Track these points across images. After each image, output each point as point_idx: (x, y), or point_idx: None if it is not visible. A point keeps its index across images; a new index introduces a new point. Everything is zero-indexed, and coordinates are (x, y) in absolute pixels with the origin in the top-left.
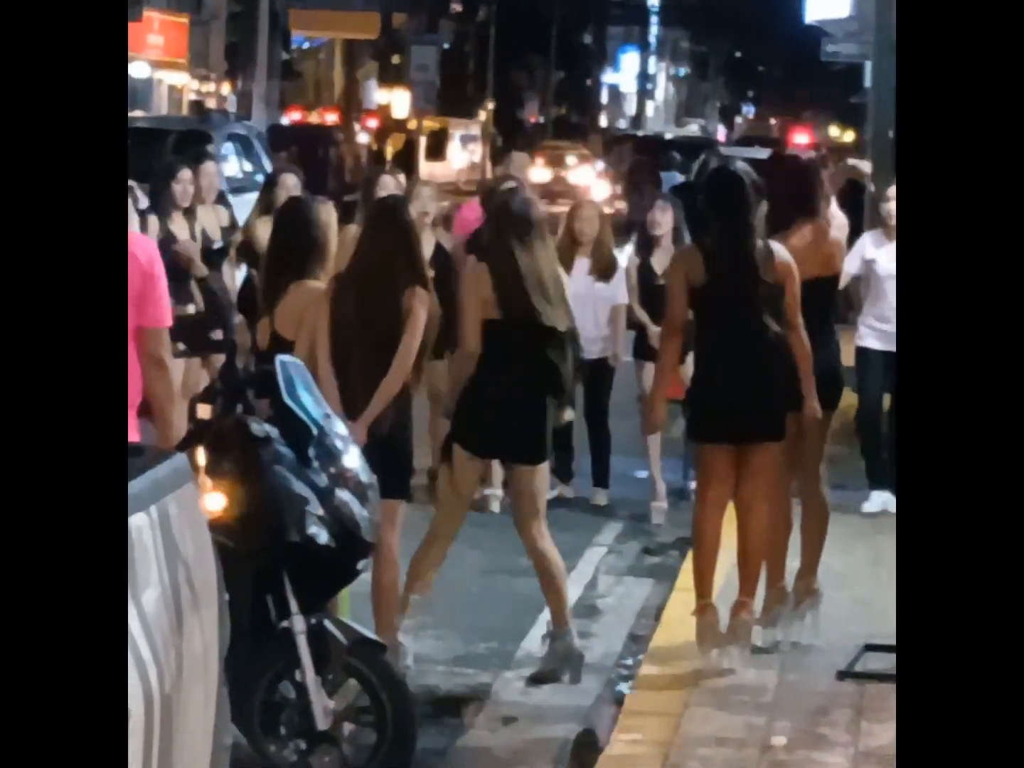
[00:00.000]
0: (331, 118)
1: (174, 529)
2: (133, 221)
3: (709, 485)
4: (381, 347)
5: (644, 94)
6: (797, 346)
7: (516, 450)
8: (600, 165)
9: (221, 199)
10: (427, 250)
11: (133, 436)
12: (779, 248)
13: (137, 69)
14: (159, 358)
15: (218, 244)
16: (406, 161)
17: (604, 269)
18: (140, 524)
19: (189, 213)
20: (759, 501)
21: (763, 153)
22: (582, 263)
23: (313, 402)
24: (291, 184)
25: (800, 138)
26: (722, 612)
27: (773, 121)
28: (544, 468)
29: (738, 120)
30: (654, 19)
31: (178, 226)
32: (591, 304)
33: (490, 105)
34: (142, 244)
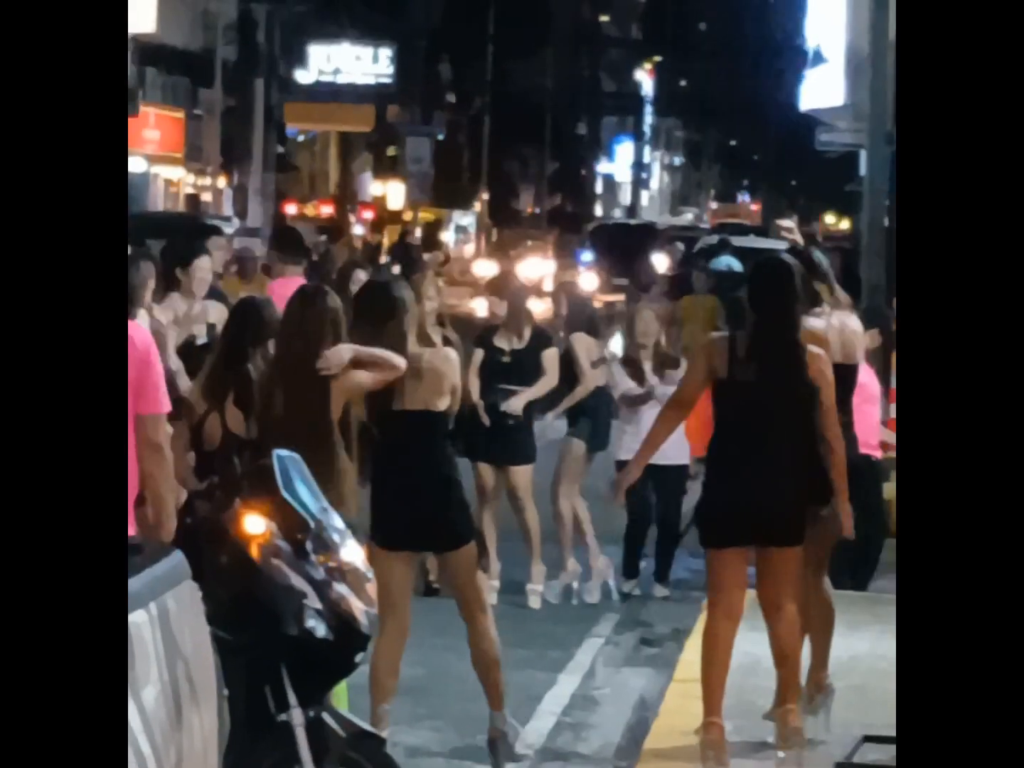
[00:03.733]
0: (327, 210)
1: (173, 626)
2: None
3: (721, 592)
4: (313, 433)
5: (639, 183)
6: (834, 445)
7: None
8: (589, 255)
9: (212, 294)
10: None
11: (130, 529)
12: (812, 347)
13: (133, 164)
14: (157, 443)
15: (202, 340)
16: (402, 253)
17: (659, 365)
18: (140, 621)
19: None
20: (786, 602)
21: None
22: (647, 363)
23: (310, 495)
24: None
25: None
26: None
27: (754, 207)
28: (469, 552)
29: (713, 206)
30: (648, 108)
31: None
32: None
33: (485, 196)
34: (138, 331)
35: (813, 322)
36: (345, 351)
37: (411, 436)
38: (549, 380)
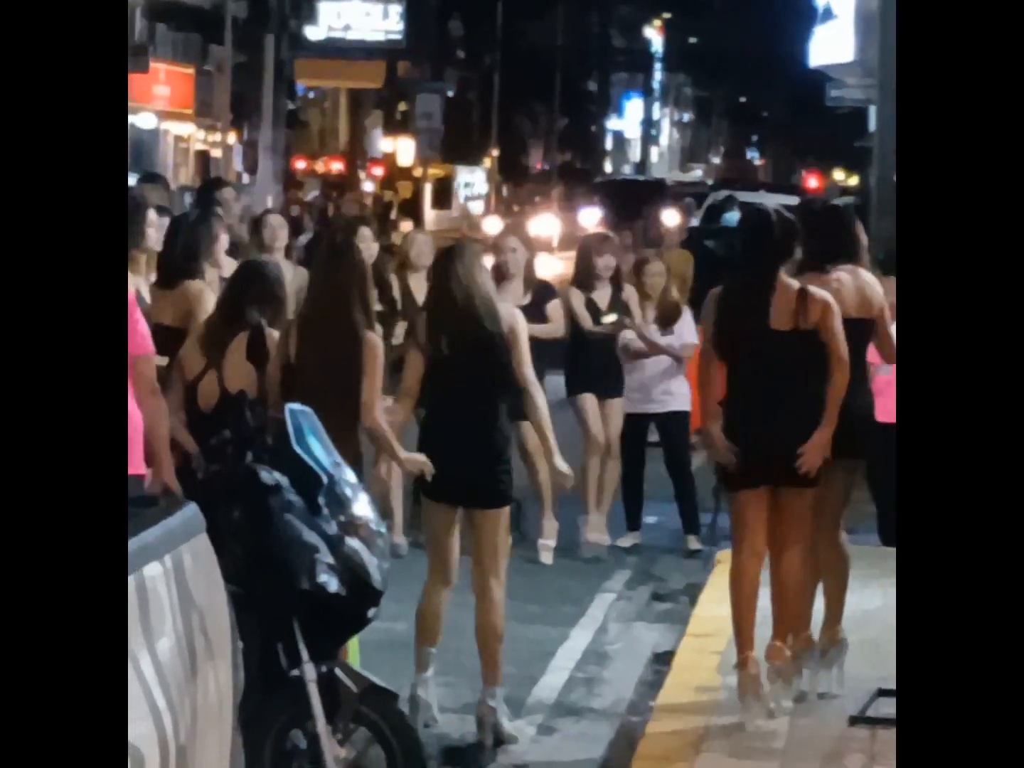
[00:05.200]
0: (336, 166)
1: (188, 578)
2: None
3: (745, 533)
4: (342, 388)
5: (648, 140)
6: (836, 380)
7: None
8: (597, 211)
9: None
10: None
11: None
12: (813, 289)
13: (143, 120)
14: (152, 383)
15: None
16: (413, 209)
17: (664, 318)
18: (154, 574)
19: None
20: (793, 544)
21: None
22: (650, 314)
23: (323, 450)
24: (276, 224)
25: (812, 182)
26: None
27: (759, 162)
28: (500, 515)
29: (715, 161)
30: (657, 65)
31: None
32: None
33: (495, 152)
34: None
35: (839, 275)
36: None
37: (470, 388)
38: (554, 327)
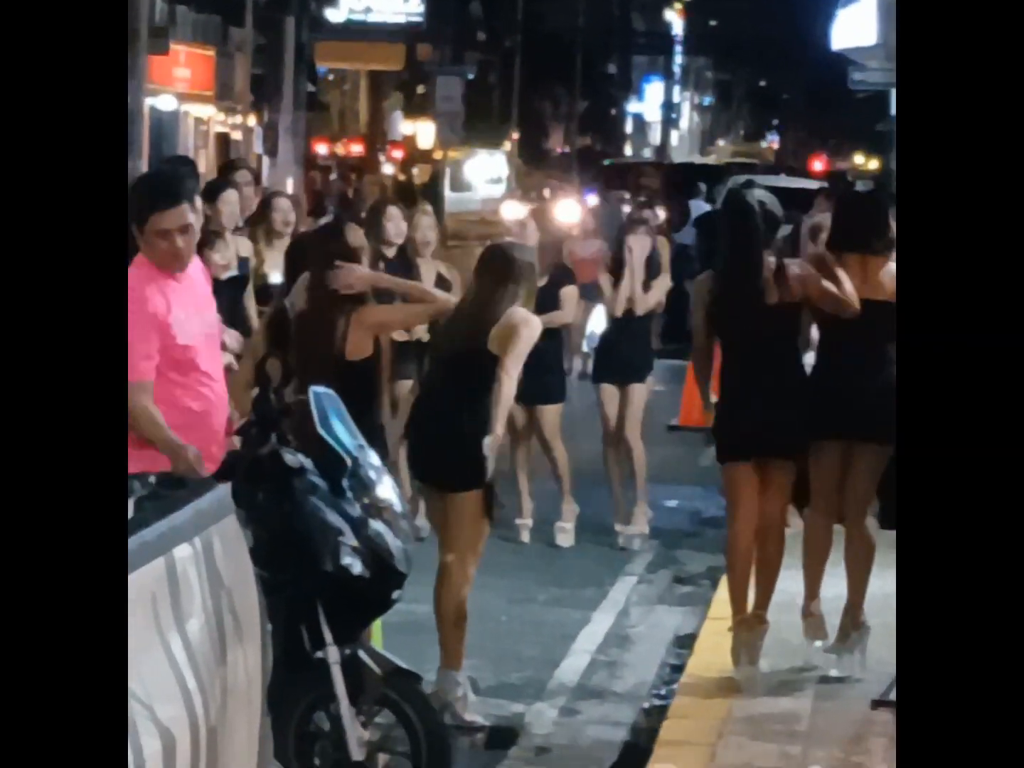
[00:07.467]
0: (356, 149)
1: (217, 560)
2: None
3: (738, 503)
4: (323, 375)
5: (669, 123)
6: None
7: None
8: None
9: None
10: (429, 278)
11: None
12: (793, 263)
13: (163, 102)
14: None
15: (230, 274)
16: (432, 192)
17: None
18: (184, 555)
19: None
20: (781, 517)
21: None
22: None
23: (347, 432)
24: (286, 207)
25: (817, 164)
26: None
27: (766, 144)
28: (465, 500)
29: (721, 143)
30: (678, 48)
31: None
32: None
33: (515, 135)
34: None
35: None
36: (358, 273)
37: (447, 373)
38: (563, 315)
